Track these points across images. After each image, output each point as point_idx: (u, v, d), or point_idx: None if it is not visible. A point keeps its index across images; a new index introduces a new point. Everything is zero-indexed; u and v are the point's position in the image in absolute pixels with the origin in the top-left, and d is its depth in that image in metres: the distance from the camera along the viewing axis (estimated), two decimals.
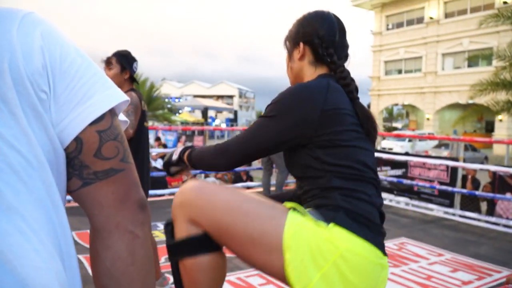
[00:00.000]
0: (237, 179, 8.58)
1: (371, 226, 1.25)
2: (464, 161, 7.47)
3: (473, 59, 26.72)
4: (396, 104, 35.11)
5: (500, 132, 24.54)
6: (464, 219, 5.34)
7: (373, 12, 32.76)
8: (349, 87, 1.31)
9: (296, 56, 1.39)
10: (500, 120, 24.34)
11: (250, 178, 8.77)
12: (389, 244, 4.17)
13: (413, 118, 35.65)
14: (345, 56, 1.39)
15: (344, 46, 1.39)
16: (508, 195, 6.32)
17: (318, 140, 1.23)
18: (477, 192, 5.77)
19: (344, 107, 1.26)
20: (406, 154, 9.38)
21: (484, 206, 6.96)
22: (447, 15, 28.25)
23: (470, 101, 26.43)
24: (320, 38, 1.34)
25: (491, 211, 6.81)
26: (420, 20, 29.80)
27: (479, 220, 5.30)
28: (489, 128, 29.83)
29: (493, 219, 5.10)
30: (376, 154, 7.85)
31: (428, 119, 29.05)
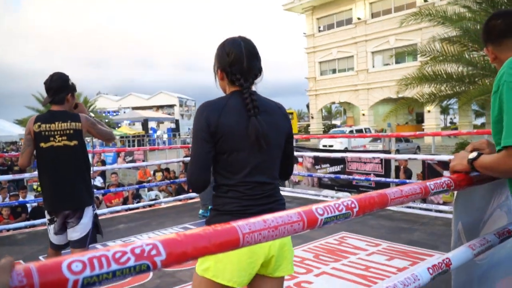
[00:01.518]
0: (180, 189, 8.47)
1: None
2: (398, 152, 7.89)
3: (400, 56, 28.33)
4: (333, 103, 36.39)
5: (429, 122, 26.17)
6: (398, 208, 5.61)
7: (304, 15, 33.76)
8: (247, 105, 1.57)
9: (219, 77, 1.69)
10: (429, 111, 25.95)
11: None
12: (330, 239, 4.30)
13: (350, 114, 37.09)
14: (255, 75, 1.65)
15: (252, 68, 1.63)
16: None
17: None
18: (407, 181, 6.09)
19: (233, 125, 1.56)
20: (345, 150, 9.73)
21: None
22: (373, 15, 29.76)
23: (400, 95, 28.04)
24: (229, 67, 1.62)
25: (424, 198, 7.25)
26: (349, 21, 31.14)
27: (413, 208, 5.60)
28: (419, 119, 31.73)
29: (424, 205, 5.41)
30: (314, 154, 8.10)
31: (363, 114, 30.36)
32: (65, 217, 2.82)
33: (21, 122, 28.11)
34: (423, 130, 28.31)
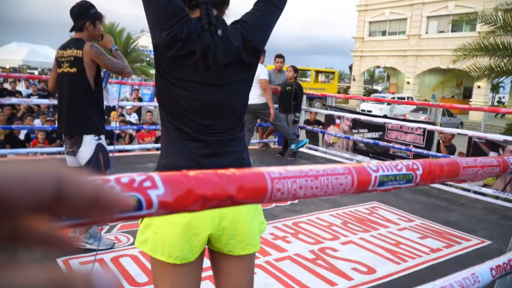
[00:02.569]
0: None
1: None
2: (441, 126, 7.42)
3: (457, 23, 26.50)
4: (378, 67, 34.97)
5: (477, 98, 24.82)
6: (436, 184, 5.31)
7: None
8: (201, 20, 1.27)
9: None
10: (478, 87, 24.53)
11: None
12: (360, 208, 4.10)
13: (394, 81, 35.66)
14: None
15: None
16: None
17: None
18: (451, 157, 5.71)
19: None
20: (384, 117, 9.32)
21: None
22: None
23: (451, 66, 26.51)
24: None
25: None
26: None
27: (450, 185, 5.29)
28: (467, 95, 30.18)
29: (465, 185, 5.08)
30: (354, 116, 7.76)
31: (408, 82, 29.06)
32: (68, 141, 2.89)
33: None
34: (470, 105, 26.93)
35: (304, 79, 35.53)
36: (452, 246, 3.26)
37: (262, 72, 5.61)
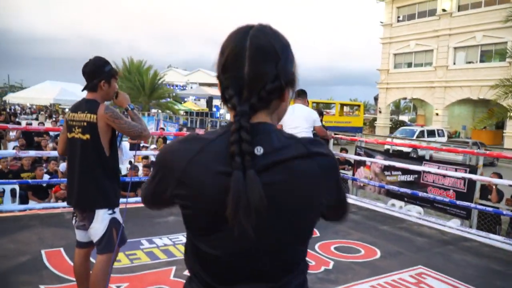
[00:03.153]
0: None
1: None
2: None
3: (486, 54, 25.83)
4: (405, 98, 34.32)
5: (511, 129, 23.74)
6: (485, 239, 4.73)
7: (383, 2, 31.77)
8: (230, 147, 0.86)
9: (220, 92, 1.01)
10: (511, 117, 23.51)
11: None
12: (404, 275, 3.59)
13: (421, 112, 34.83)
14: (265, 91, 0.89)
15: (258, 77, 0.89)
16: None
17: None
18: (504, 212, 5.12)
19: (202, 188, 0.89)
20: (421, 159, 8.71)
21: (504, 218, 6.37)
22: (460, 8, 27.27)
23: (481, 97, 25.63)
24: (222, 74, 0.92)
25: None
26: (432, 12, 28.82)
27: (502, 242, 4.69)
28: (499, 125, 29.02)
29: None
30: (388, 163, 7.22)
31: (437, 114, 28.24)
32: (79, 214, 2.60)
33: None
34: (503, 136, 25.83)
35: (328, 110, 35.17)
36: None
37: (315, 116, 5.38)
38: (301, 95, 5.48)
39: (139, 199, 5.91)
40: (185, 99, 41.86)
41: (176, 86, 53.28)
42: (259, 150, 0.87)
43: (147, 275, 3.34)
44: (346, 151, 9.61)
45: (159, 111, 25.84)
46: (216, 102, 44.94)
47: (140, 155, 7.97)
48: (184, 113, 30.09)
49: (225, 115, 44.95)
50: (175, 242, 4.13)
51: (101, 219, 2.51)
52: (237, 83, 0.89)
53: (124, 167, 7.57)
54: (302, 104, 5.45)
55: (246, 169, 0.83)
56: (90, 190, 2.50)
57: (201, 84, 59.59)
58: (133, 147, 3.44)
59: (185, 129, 16.03)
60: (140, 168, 8.40)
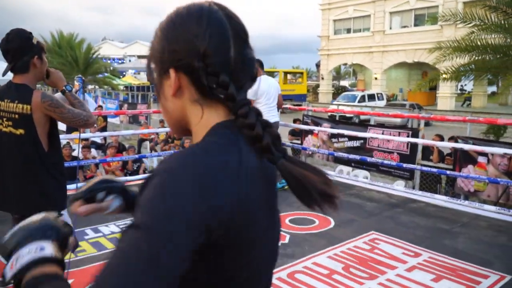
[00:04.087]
0: None
1: None
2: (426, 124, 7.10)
3: (420, 18, 26.79)
4: (345, 64, 35.04)
5: (443, 90, 25.11)
6: (430, 199, 4.93)
7: None
8: (261, 142, 0.70)
9: (167, 91, 0.76)
10: (444, 79, 24.79)
11: None
12: (359, 243, 3.64)
13: (361, 77, 35.84)
14: (252, 78, 0.77)
15: (246, 61, 0.75)
16: (470, 167, 6.04)
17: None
18: (448, 172, 5.33)
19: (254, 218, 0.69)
20: (366, 123, 8.88)
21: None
22: None
23: (416, 60, 26.72)
24: (202, 58, 0.71)
25: (451, 183, 6.55)
26: None
27: (447, 201, 4.91)
28: (433, 87, 30.58)
29: (465, 203, 4.70)
30: (336, 130, 7.29)
31: (376, 78, 29.17)
32: (17, 221, 2.15)
33: None
34: (436, 97, 27.26)
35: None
36: None
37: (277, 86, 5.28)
38: (262, 65, 5.34)
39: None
40: (124, 73, 40.11)
41: (113, 59, 50.89)
42: None
43: (95, 268, 3.12)
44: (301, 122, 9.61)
45: (96, 87, 24.54)
46: None
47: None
48: (124, 88, 28.85)
49: None
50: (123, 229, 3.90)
51: None
52: (227, 69, 0.72)
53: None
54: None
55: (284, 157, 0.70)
56: (30, 193, 2.12)
57: (140, 57, 57.23)
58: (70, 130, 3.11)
59: (126, 105, 15.32)
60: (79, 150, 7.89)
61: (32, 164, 2.10)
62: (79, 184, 2.63)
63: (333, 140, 8.09)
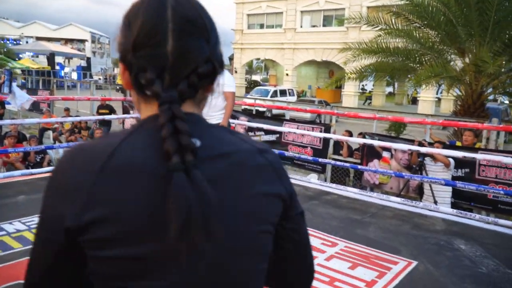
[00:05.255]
0: None
1: None
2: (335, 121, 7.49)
3: (328, 19, 28.23)
4: (258, 59, 35.70)
5: (348, 88, 26.79)
6: (342, 191, 5.24)
7: None
8: (165, 142, 0.63)
9: (123, 78, 0.74)
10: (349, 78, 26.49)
11: None
12: None
13: (273, 72, 36.82)
14: (196, 74, 0.69)
15: (187, 54, 0.68)
16: (375, 161, 6.52)
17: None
18: (359, 167, 5.68)
19: (124, 207, 0.64)
20: (276, 117, 9.14)
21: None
22: None
23: (324, 59, 28.19)
24: (133, 51, 0.69)
25: (358, 176, 7.03)
26: None
27: (354, 192, 5.25)
28: (338, 85, 32.53)
29: (374, 194, 5.07)
30: (252, 124, 7.37)
31: (287, 74, 30.17)
32: None
33: None
34: (341, 95, 29.04)
35: None
36: (385, 274, 3.07)
37: (230, 81, 4.62)
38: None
39: None
40: (21, 55, 36.53)
41: (8, 40, 46.10)
42: (195, 142, 0.66)
43: (1, 270, 2.80)
44: None
45: None
46: (59, 59, 40.30)
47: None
48: (21, 72, 26.28)
49: (70, 73, 40.74)
50: (30, 227, 3.55)
51: None
52: (157, 64, 0.67)
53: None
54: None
55: (189, 170, 0.61)
56: None
57: (39, 38, 52.70)
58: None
59: (25, 90, 13.96)
60: None
61: None
62: None
63: (250, 133, 8.21)
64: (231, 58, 38.48)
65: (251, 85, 34.35)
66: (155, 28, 0.67)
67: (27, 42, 48.75)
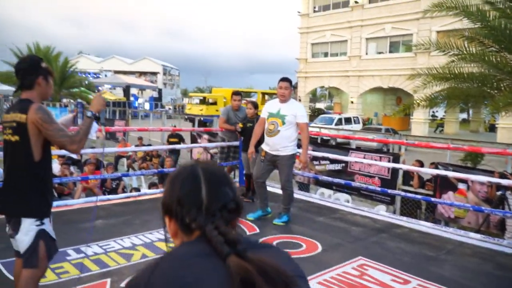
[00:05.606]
0: (166, 176, 7.64)
1: None
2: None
3: (395, 45, 27.68)
4: (322, 87, 35.66)
5: (417, 115, 25.76)
6: (414, 225, 4.98)
7: None
8: (217, 248, 0.86)
9: (170, 232, 1.00)
10: (418, 105, 25.54)
11: None
12: (347, 268, 3.61)
13: (337, 100, 36.52)
14: (226, 209, 0.95)
15: (218, 197, 0.96)
16: (450, 193, 6.15)
17: None
18: (433, 199, 5.39)
19: None
20: (343, 146, 8.98)
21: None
22: (371, 0, 28.80)
23: (391, 85, 27.49)
24: (178, 203, 0.96)
25: (431, 209, 6.66)
26: (345, 4, 30.14)
27: (430, 227, 4.97)
28: (407, 112, 31.44)
29: (450, 229, 4.76)
30: (317, 153, 7.30)
31: (352, 102, 29.76)
32: (6, 221, 2.36)
33: None
34: (410, 122, 27.99)
35: (248, 99, 35.44)
36: None
37: (302, 111, 4.70)
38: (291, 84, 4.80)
39: (63, 201, 5.33)
40: (100, 88, 39.50)
41: (89, 74, 50.21)
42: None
43: None
44: None
45: (71, 100, 24.08)
46: (134, 91, 43.08)
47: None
48: None
49: (143, 104, 43.29)
50: (106, 250, 3.76)
51: (27, 230, 2.26)
52: (199, 204, 0.93)
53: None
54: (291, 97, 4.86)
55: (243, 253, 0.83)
56: (13, 196, 2.30)
57: (116, 72, 56.87)
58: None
59: (103, 120, 15.02)
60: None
61: (19, 169, 2.30)
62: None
63: (315, 162, 8.14)
64: (295, 87, 38.79)
65: (315, 113, 34.24)
66: (194, 183, 0.95)
67: (106, 75, 52.72)
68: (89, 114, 2.40)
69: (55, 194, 6.73)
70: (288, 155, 4.61)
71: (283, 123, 4.55)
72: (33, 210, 2.29)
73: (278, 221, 4.74)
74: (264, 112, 4.79)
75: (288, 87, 4.64)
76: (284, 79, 4.68)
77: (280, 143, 4.58)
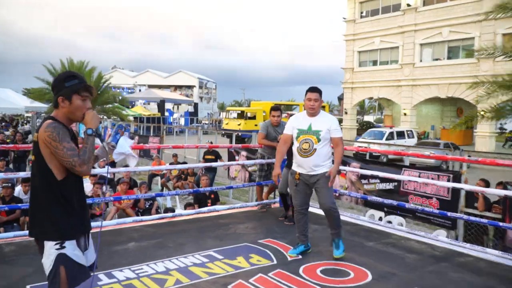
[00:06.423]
0: (201, 196, 7.73)
1: None
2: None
3: (454, 50, 26.92)
4: (371, 98, 35.16)
5: (482, 128, 24.78)
6: (480, 253, 4.74)
7: None
8: None
9: None
10: (482, 116, 24.61)
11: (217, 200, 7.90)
12: None
13: (388, 112, 35.83)
14: None
15: None
16: None
17: None
18: (501, 224, 5.11)
19: None
20: (394, 163, 8.75)
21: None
22: (425, 2, 28.32)
23: (450, 95, 26.67)
24: None
25: (500, 235, 6.32)
26: (396, 7, 29.78)
27: (495, 255, 4.71)
28: (469, 124, 30.33)
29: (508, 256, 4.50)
30: (362, 171, 7.14)
31: (405, 114, 29.10)
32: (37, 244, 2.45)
33: (29, 92, 27.76)
34: (473, 136, 26.97)
35: (290, 112, 35.49)
36: None
37: (336, 124, 4.50)
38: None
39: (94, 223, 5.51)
40: (134, 103, 40.87)
41: (123, 89, 52.16)
42: None
43: None
44: None
45: (105, 117, 24.99)
46: (168, 105, 44.29)
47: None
48: (133, 119, 29.31)
49: (179, 119, 44.33)
50: (139, 275, 3.82)
51: (48, 254, 2.31)
52: None
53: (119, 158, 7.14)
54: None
55: None
56: (36, 218, 2.36)
57: (151, 86, 58.81)
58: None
59: (137, 137, 15.49)
60: (87, 184, 7.89)
61: (39, 190, 2.35)
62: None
63: (363, 181, 7.97)
64: (340, 98, 38.53)
65: (363, 127, 33.76)
66: None
67: (140, 90, 54.47)
68: (89, 132, 2.41)
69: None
70: (326, 173, 4.45)
71: (318, 140, 4.32)
72: (52, 232, 2.31)
73: (338, 253, 4.43)
74: (289, 129, 4.53)
75: (318, 99, 4.41)
76: (312, 89, 4.46)
77: (318, 163, 4.35)
